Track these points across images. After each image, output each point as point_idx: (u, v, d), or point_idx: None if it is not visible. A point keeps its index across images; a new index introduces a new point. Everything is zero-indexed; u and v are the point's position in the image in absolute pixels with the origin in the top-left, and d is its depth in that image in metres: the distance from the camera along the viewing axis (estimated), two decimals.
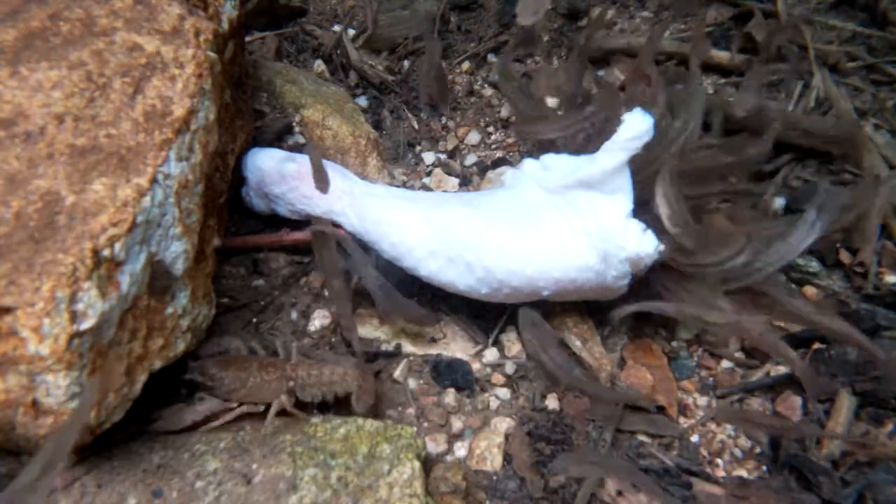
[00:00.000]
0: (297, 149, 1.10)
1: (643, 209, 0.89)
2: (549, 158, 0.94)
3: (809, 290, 0.98)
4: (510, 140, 1.19)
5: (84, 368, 0.66)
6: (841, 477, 0.80)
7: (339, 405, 0.88)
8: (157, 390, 0.84)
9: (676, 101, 0.99)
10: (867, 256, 0.98)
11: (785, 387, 0.90)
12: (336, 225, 0.98)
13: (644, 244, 0.85)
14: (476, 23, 1.36)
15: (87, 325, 0.66)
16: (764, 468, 0.84)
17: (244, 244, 1.02)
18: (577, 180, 0.87)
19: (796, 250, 0.85)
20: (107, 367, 0.69)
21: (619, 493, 0.80)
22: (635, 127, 0.84)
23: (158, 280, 0.76)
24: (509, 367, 0.93)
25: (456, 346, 0.95)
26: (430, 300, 0.98)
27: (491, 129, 1.22)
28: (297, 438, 0.77)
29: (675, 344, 0.96)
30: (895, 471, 0.80)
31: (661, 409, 0.89)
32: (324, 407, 0.88)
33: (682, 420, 0.89)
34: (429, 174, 1.15)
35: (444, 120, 1.23)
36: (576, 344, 0.91)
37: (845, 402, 0.87)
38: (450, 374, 0.91)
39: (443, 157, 1.18)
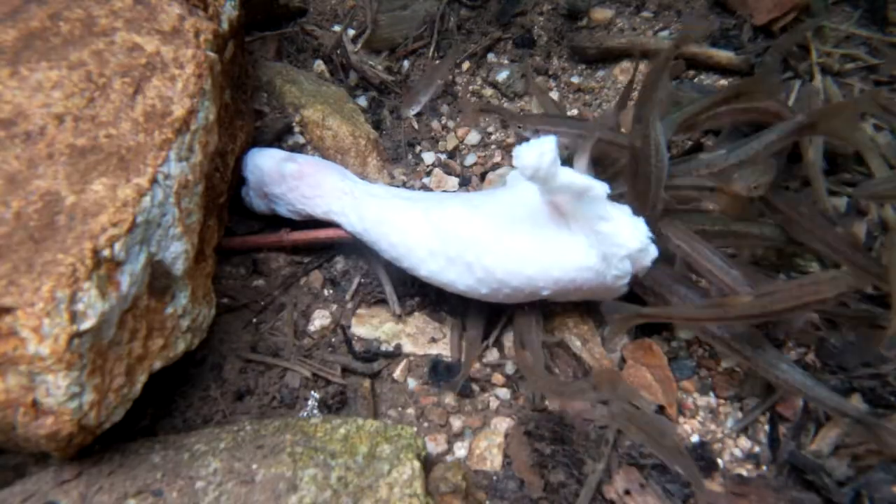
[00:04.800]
0: (297, 149, 1.11)
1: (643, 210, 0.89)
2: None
3: None
4: (510, 140, 1.19)
5: (84, 368, 0.66)
6: (837, 480, 0.80)
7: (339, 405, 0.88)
8: (158, 390, 0.84)
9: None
10: None
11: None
12: (336, 225, 0.98)
13: (645, 241, 0.85)
14: (476, 23, 1.36)
15: (87, 325, 0.66)
16: (764, 468, 0.84)
17: (244, 244, 1.02)
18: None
19: None
20: None
21: (627, 492, 0.80)
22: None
23: (158, 280, 0.76)
24: (509, 368, 0.93)
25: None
26: (430, 300, 0.98)
27: (491, 129, 1.22)
28: (297, 438, 0.77)
29: (674, 344, 0.96)
30: (893, 469, 0.80)
31: (661, 409, 0.89)
32: (324, 406, 0.88)
33: (681, 420, 0.89)
34: (429, 174, 1.15)
35: (443, 120, 1.23)
36: (576, 344, 0.91)
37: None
38: (449, 374, 0.91)
39: (443, 157, 1.18)
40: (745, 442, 0.87)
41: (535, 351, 0.89)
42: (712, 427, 0.89)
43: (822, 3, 1.25)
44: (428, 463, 0.80)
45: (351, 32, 1.32)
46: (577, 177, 0.82)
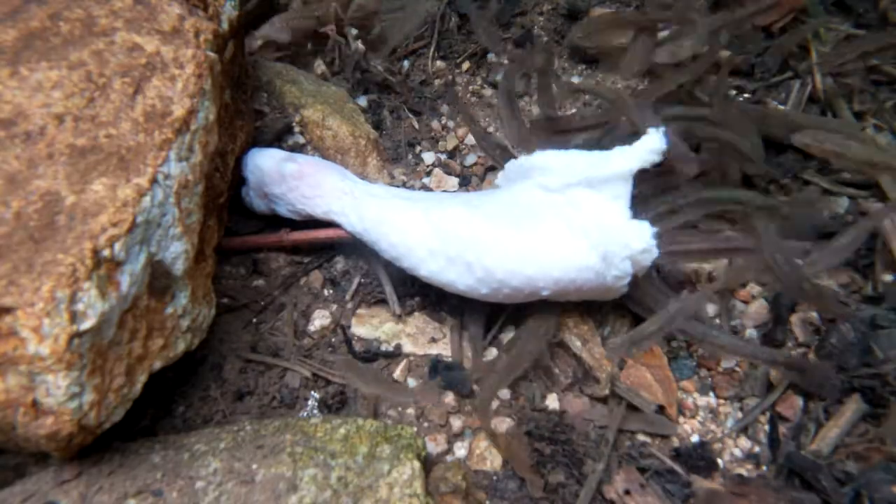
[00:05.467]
0: (297, 149, 1.10)
1: (642, 210, 0.89)
2: (549, 156, 0.92)
3: None
4: None
5: (84, 368, 0.66)
6: (836, 478, 0.80)
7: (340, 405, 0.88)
8: (158, 390, 0.84)
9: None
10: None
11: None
12: (336, 225, 0.98)
13: (646, 241, 0.85)
14: None
15: (87, 325, 0.66)
16: (764, 468, 0.85)
17: (244, 244, 1.02)
18: (585, 178, 0.87)
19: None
20: None
21: (627, 492, 0.80)
22: (656, 142, 0.87)
23: (158, 280, 0.76)
24: None
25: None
26: (430, 300, 0.98)
27: (491, 128, 1.22)
28: (297, 438, 0.77)
29: (675, 344, 0.96)
30: (893, 469, 0.80)
31: (661, 409, 0.89)
32: (324, 406, 0.88)
33: (681, 420, 0.89)
34: (429, 174, 1.15)
35: (443, 120, 1.23)
36: (576, 344, 0.91)
37: (853, 407, 0.86)
38: (449, 374, 0.91)
39: (443, 157, 1.18)
40: (745, 442, 0.87)
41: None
42: (712, 427, 0.89)
43: (818, 5, 1.25)
44: (428, 463, 0.80)
45: (352, 32, 1.32)
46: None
